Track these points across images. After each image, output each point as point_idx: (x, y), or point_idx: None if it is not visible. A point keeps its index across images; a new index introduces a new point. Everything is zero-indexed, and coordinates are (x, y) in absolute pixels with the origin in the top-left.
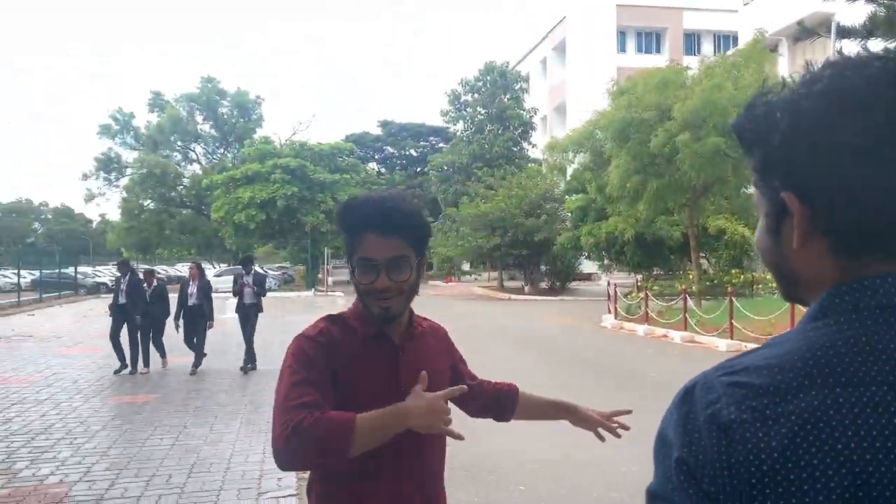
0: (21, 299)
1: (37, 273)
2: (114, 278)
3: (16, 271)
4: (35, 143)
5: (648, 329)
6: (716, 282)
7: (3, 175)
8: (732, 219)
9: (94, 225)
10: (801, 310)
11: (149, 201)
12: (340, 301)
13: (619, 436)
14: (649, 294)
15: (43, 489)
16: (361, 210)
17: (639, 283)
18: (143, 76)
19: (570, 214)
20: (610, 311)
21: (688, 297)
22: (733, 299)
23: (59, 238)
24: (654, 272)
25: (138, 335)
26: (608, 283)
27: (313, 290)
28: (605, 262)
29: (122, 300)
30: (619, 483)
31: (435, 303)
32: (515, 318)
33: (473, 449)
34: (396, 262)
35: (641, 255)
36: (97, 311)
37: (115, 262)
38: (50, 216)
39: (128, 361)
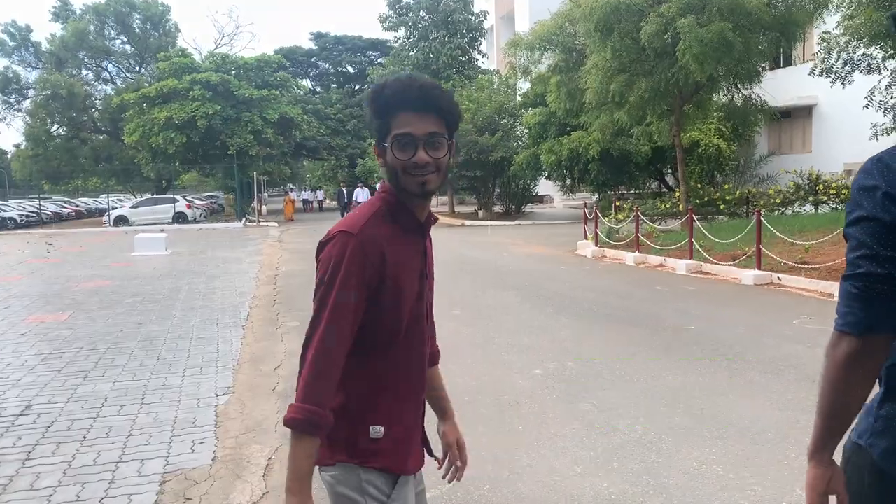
0: None
1: None
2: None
3: None
4: None
5: (640, 257)
6: (706, 199)
7: None
8: (707, 129)
9: (10, 156)
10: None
11: (56, 126)
12: (274, 232)
13: (446, 476)
14: (640, 215)
15: None
16: (397, 88)
17: (597, 204)
18: None
19: (528, 130)
20: (587, 237)
21: (694, 219)
22: (762, 218)
23: None
24: (619, 191)
25: None
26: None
27: (244, 220)
28: (567, 181)
29: None
30: None
31: None
32: (477, 247)
33: None
34: (434, 139)
35: (607, 173)
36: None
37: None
38: None
39: None
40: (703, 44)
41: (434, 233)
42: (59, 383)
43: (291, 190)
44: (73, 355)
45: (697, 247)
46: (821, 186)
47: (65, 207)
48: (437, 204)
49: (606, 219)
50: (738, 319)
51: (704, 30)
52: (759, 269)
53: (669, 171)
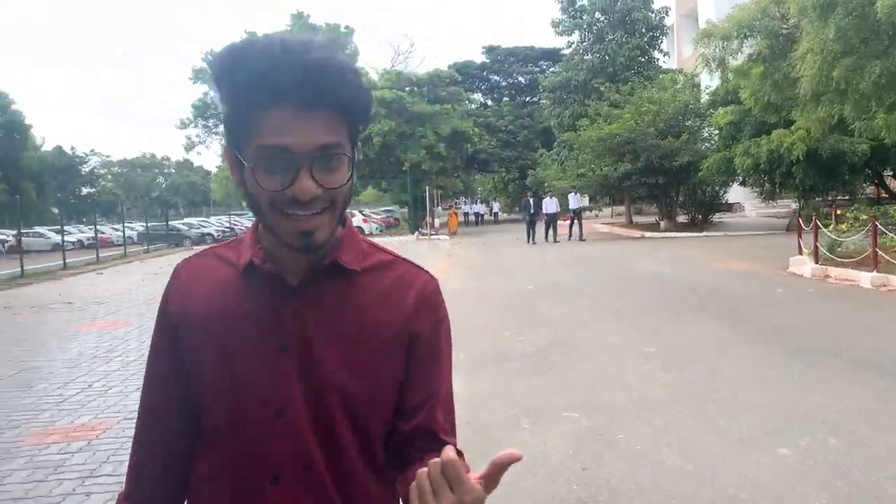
0: (127, 251)
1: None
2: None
3: (135, 224)
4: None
5: (879, 278)
6: None
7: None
8: None
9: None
10: None
11: None
12: (444, 245)
13: None
14: (877, 224)
15: None
16: (261, 61)
17: (800, 213)
18: (234, 16)
19: (718, 132)
20: (803, 252)
21: None
22: None
23: (181, 190)
24: (829, 198)
25: None
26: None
27: (416, 233)
28: (766, 187)
29: None
30: None
31: (536, 246)
32: (663, 263)
33: None
34: (327, 156)
35: (815, 177)
36: (167, 271)
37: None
38: (173, 170)
39: None
40: None
41: (610, 247)
42: None
43: (457, 203)
44: None
45: None
46: None
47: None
48: (613, 214)
49: (834, 227)
50: None
51: None
52: None
53: (891, 173)
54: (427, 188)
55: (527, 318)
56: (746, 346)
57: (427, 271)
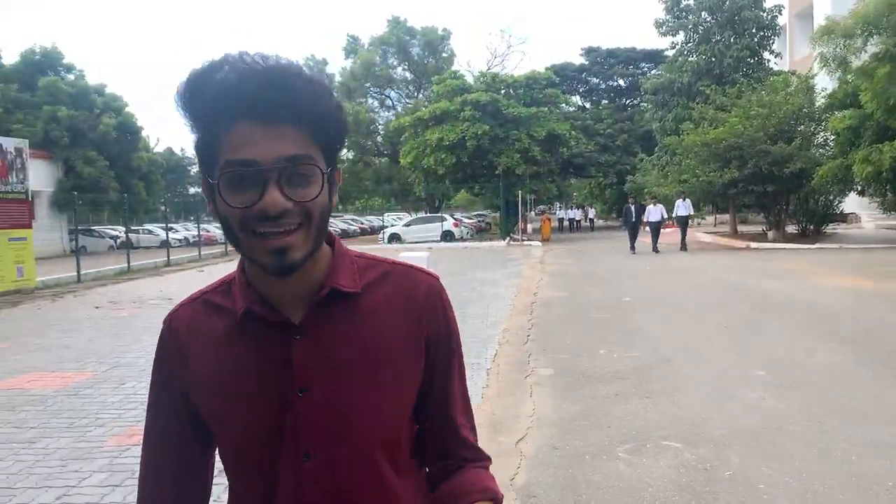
0: (228, 250)
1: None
2: None
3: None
4: None
5: None
6: None
7: None
8: None
9: None
10: None
11: (345, 151)
12: (536, 252)
13: None
14: None
15: None
16: (225, 78)
17: None
18: (329, 18)
19: (835, 137)
20: None
21: None
22: None
23: None
24: None
25: None
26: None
27: (507, 239)
28: (889, 197)
29: None
30: None
31: (638, 256)
32: (772, 277)
33: None
34: (293, 168)
35: None
36: None
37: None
38: None
39: None
40: None
41: (713, 258)
42: None
43: (551, 209)
44: None
45: None
46: None
47: (351, 225)
48: (716, 223)
49: None
50: None
51: None
52: None
53: None
54: (520, 193)
55: (624, 334)
56: (873, 379)
57: (428, 272)
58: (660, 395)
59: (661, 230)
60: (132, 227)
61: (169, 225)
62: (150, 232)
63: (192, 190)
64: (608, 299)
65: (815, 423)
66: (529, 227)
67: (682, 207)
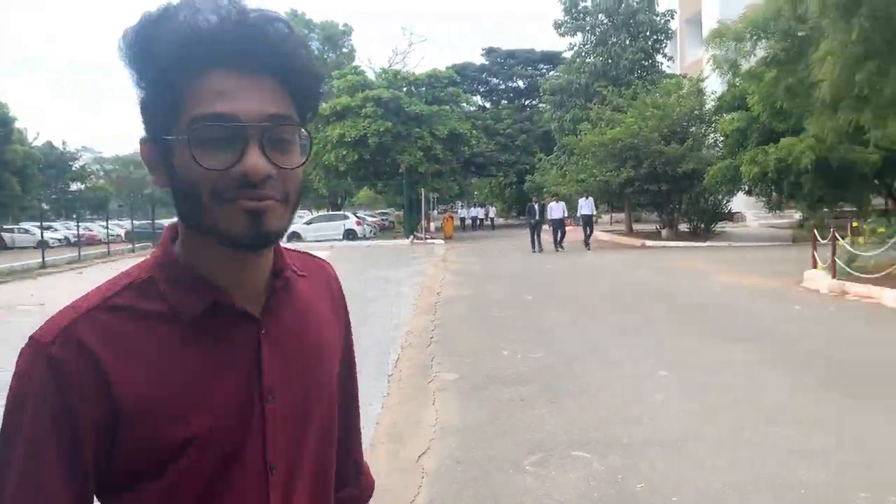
0: (112, 250)
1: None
2: None
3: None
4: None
5: None
6: None
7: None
8: None
9: None
10: None
11: None
12: (439, 250)
13: None
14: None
15: None
16: (193, 20)
17: (803, 224)
18: None
19: (724, 139)
20: (818, 266)
21: None
22: None
23: None
24: (837, 208)
25: None
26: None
27: (411, 238)
28: (774, 197)
29: None
30: None
31: (541, 255)
32: (669, 275)
33: None
34: (275, 129)
35: (825, 187)
36: None
37: None
38: None
39: None
40: None
41: (611, 255)
42: None
43: (454, 207)
44: None
45: None
46: None
47: None
48: (612, 222)
49: (851, 240)
50: None
51: None
52: None
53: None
54: (423, 191)
55: (526, 333)
56: (769, 374)
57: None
58: (566, 399)
59: (564, 228)
60: (5, 227)
61: (48, 224)
62: (26, 231)
63: (74, 186)
64: (510, 297)
65: (727, 428)
66: (433, 225)
67: (586, 206)
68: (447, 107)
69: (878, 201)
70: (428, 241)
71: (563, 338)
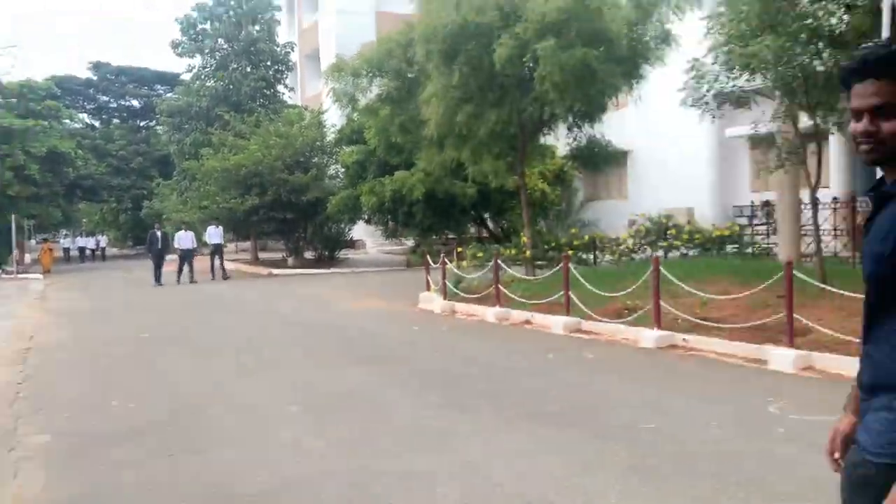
0: None
1: None
2: None
3: None
4: None
5: (502, 313)
6: (553, 244)
7: None
8: (531, 172)
9: None
10: None
11: None
12: (36, 286)
13: None
14: (500, 262)
15: None
16: None
17: (416, 251)
18: None
19: (345, 169)
20: (431, 289)
21: (570, 267)
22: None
23: None
24: (444, 236)
25: None
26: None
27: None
28: (390, 225)
29: None
30: None
31: (164, 288)
32: (297, 302)
33: None
34: None
35: (433, 217)
36: None
37: None
38: None
39: None
40: (564, 71)
41: (241, 285)
42: None
43: (55, 236)
44: None
45: (576, 300)
46: (673, 231)
47: None
48: (237, 251)
49: (457, 264)
50: (699, 411)
51: (567, 55)
52: (659, 327)
53: (490, 216)
54: (14, 217)
55: (144, 380)
56: (398, 397)
57: None
58: (187, 454)
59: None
60: None
61: None
62: None
63: None
64: (124, 338)
65: (357, 464)
66: (28, 257)
67: (215, 235)
68: (46, 122)
69: (475, 230)
70: (20, 276)
71: (185, 381)
